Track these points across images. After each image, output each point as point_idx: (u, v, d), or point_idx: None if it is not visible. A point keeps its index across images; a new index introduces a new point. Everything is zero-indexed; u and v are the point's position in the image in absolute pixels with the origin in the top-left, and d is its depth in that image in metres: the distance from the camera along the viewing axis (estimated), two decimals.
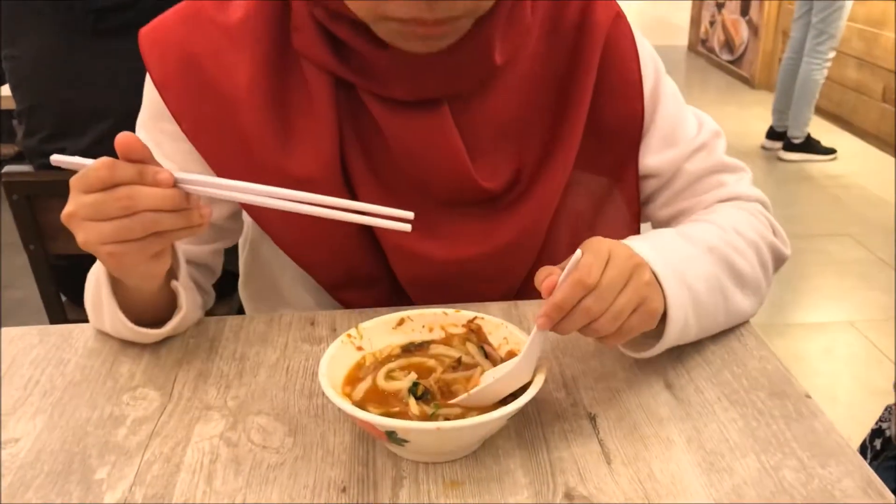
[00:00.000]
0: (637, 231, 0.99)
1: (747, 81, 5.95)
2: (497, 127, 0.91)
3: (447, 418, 0.68)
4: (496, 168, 0.91)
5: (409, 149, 0.88)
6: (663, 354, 0.83)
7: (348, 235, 0.92)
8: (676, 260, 0.76)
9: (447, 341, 0.79)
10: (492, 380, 0.70)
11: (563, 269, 0.69)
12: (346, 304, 1.00)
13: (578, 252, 0.69)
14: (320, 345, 0.89)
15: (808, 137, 4.34)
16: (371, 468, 0.70)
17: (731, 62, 6.24)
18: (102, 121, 1.66)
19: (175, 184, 0.69)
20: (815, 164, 4.32)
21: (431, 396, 0.71)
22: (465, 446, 0.70)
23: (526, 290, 0.99)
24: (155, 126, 0.92)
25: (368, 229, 0.92)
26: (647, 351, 0.78)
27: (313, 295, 1.02)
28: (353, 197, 0.91)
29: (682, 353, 0.85)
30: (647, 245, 0.75)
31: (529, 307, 0.95)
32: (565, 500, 0.66)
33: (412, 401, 0.70)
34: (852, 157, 4.43)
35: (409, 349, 0.79)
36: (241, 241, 1.10)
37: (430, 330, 0.80)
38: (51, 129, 1.70)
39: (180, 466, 0.71)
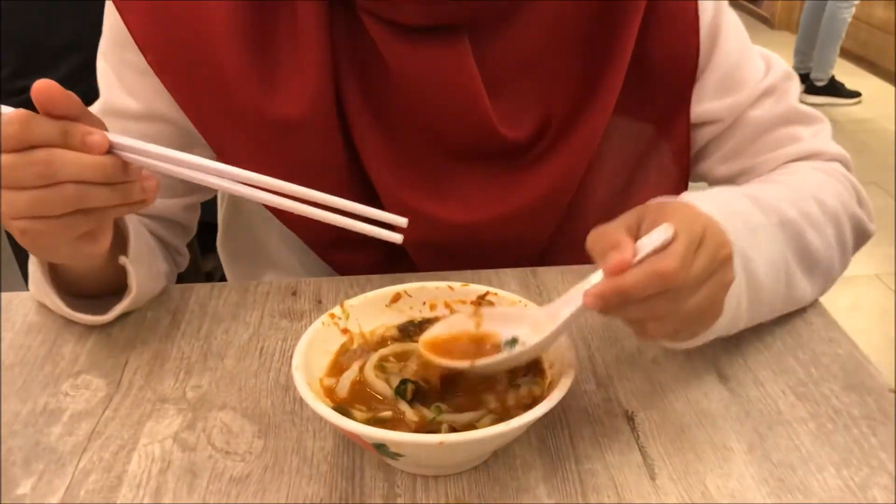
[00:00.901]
0: (686, 178, 0.83)
1: (767, 21, 5.69)
2: (523, 64, 0.75)
3: (453, 426, 0.54)
4: (521, 114, 0.75)
5: (419, 86, 0.73)
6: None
7: (339, 188, 0.77)
8: (742, 233, 0.61)
9: None
10: (507, 355, 0.57)
11: (625, 228, 0.55)
12: (338, 268, 0.85)
13: (669, 229, 0.53)
14: (301, 321, 0.74)
15: (832, 80, 4.13)
16: (357, 483, 0.56)
17: (750, 1, 5.97)
18: (73, 53, 1.50)
19: (111, 149, 0.54)
20: (838, 108, 4.11)
21: (429, 395, 0.57)
22: (473, 459, 0.56)
23: (549, 255, 0.84)
24: (116, 55, 0.76)
25: (365, 181, 0.78)
26: (686, 342, 0.63)
27: (299, 256, 0.88)
28: (349, 144, 0.76)
29: (736, 334, 0.71)
30: (715, 209, 0.59)
31: (550, 276, 0.80)
32: None
33: (405, 406, 0.56)
34: (878, 100, 4.22)
35: (406, 331, 0.64)
36: (219, 192, 0.95)
37: (433, 308, 0.66)
38: (15, 65, 1.54)
39: (122, 478, 0.57)
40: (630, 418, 0.62)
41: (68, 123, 0.53)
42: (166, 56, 0.74)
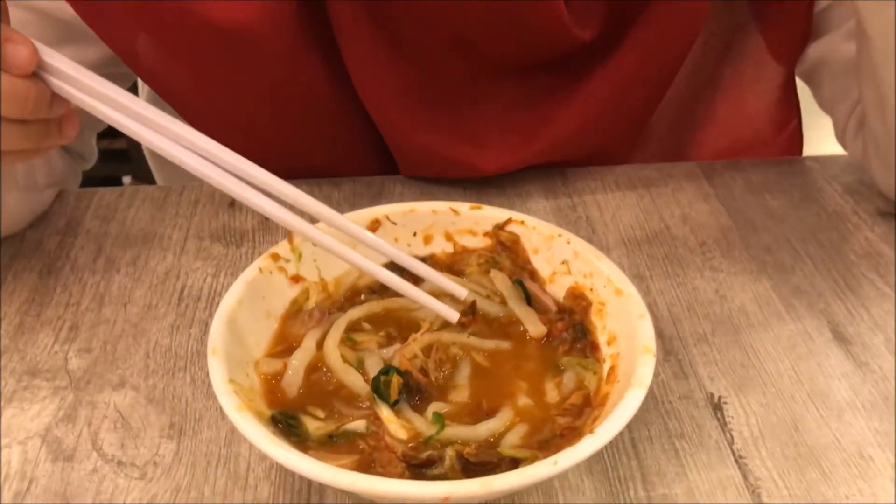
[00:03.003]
0: (792, 59, 0.60)
1: None
2: None
3: (463, 445, 0.34)
4: (587, 5, 0.51)
5: None
6: (815, 271, 0.50)
7: (319, 132, 0.57)
8: None
9: (457, 262, 0.44)
10: None
11: None
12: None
13: None
14: (241, 246, 0.53)
15: None
16: None
17: None
18: None
19: (38, 71, 0.36)
20: None
21: (425, 388, 0.37)
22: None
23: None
24: None
25: (361, 114, 0.55)
26: None
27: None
28: (332, 61, 0.52)
29: (847, 265, 0.51)
30: None
31: (585, 181, 0.59)
32: None
33: (385, 411, 0.35)
34: None
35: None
36: None
37: (428, 241, 0.45)
38: None
39: None
40: (717, 408, 0.42)
41: None
42: None
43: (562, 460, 0.31)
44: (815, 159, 0.62)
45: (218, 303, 0.39)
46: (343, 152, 0.59)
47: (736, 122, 0.62)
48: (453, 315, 0.38)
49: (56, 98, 0.37)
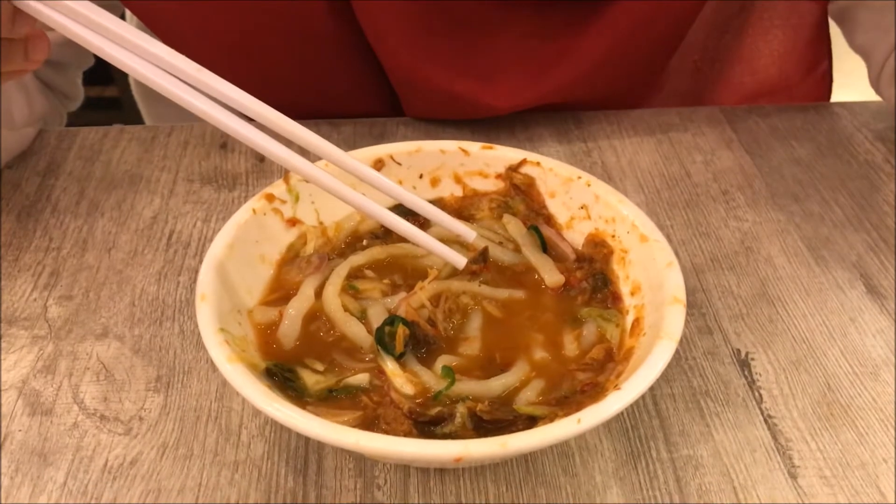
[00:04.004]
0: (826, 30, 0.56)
1: None
2: None
3: (475, 406, 0.31)
4: None
5: None
6: (846, 221, 0.47)
7: (320, 59, 0.53)
8: None
9: (466, 206, 0.41)
10: None
11: None
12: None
13: None
14: (234, 190, 0.50)
15: None
16: (312, 479, 0.34)
17: None
18: None
19: None
20: None
21: (433, 341, 0.34)
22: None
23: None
24: None
25: (363, 46, 0.51)
26: None
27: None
28: None
29: (879, 216, 0.48)
30: None
31: (601, 125, 0.55)
32: None
33: (390, 364, 0.32)
34: None
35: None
36: None
37: (435, 183, 0.41)
38: None
39: None
40: (744, 364, 0.39)
41: None
42: None
43: (585, 418, 0.28)
44: (844, 105, 0.58)
45: (206, 250, 0.36)
46: (342, 89, 0.55)
47: (763, 61, 0.58)
48: (461, 260, 0.35)
49: (19, 14, 0.33)
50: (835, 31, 0.59)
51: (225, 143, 0.53)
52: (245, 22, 0.49)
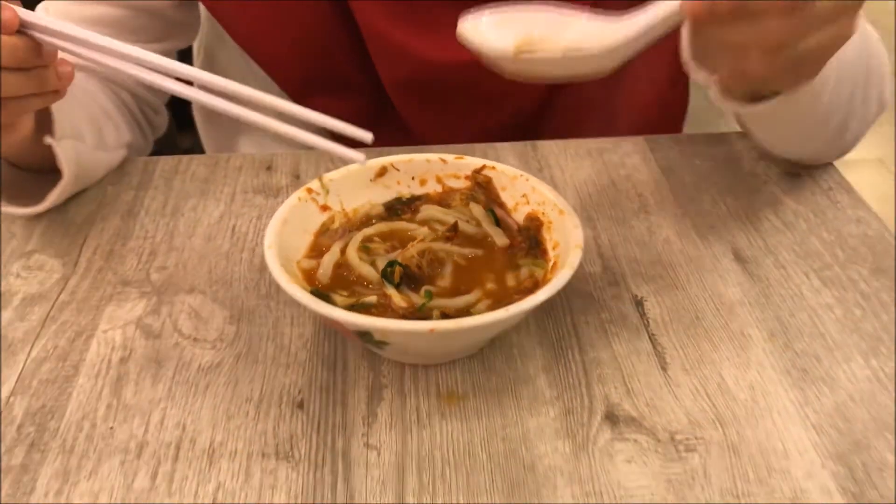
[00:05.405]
0: None
1: None
2: None
3: (444, 312, 0.48)
4: None
5: None
6: (728, 214, 0.63)
7: (318, 21, 0.70)
8: None
9: (444, 199, 0.58)
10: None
11: None
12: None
13: None
14: (278, 197, 0.68)
15: None
16: (339, 373, 0.51)
17: None
18: None
19: (22, 28, 0.48)
20: None
21: (419, 278, 0.51)
22: (467, 347, 0.51)
23: (547, 114, 0.77)
24: None
25: (345, 15, 0.69)
26: (757, 106, 0.53)
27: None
28: None
29: (753, 210, 0.65)
30: None
31: (551, 150, 0.73)
32: (607, 424, 0.48)
33: (392, 290, 0.50)
34: None
35: (393, 209, 0.58)
36: (195, 47, 0.87)
37: (423, 183, 0.59)
38: None
39: (79, 367, 0.52)
40: (639, 304, 0.56)
41: None
42: None
43: (511, 309, 0.45)
44: (739, 134, 0.76)
45: (262, 238, 0.54)
46: (326, 47, 0.71)
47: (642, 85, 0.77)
48: (360, 156, 0.46)
49: (41, 47, 0.48)
50: None
51: (270, 165, 0.71)
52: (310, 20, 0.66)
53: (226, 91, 0.47)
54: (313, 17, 0.69)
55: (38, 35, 0.49)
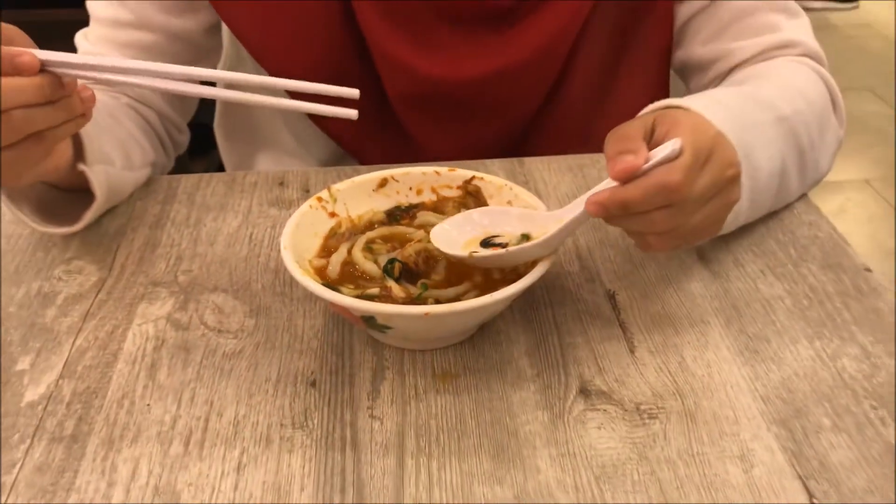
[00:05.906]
0: (667, 62, 0.83)
1: None
2: None
3: (438, 300, 0.56)
4: None
5: None
6: None
7: (333, 38, 0.79)
8: (747, 134, 0.60)
9: (439, 206, 0.66)
10: (503, 251, 0.57)
11: (642, 131, 0.55)
12: (327, 130, 0.86)
13: (678, 142, 0.52)
14: (290, 209, 0.75)
15: None
16: (347, 357, 0.58)
17: None
18: None
19: (42, 68, 0.54)
20: (837, 13, 4.04)
21: (416, 273, 0.58)
22: (458, 332, 0.58)
23: (531, 139, 0.85)
24: None
25: (357, 38, 0.78)
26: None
27: (292, 129, 0.90)
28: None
29: None
30: (722, 115, 0.58)
31: (536, 166, 0.81)
32: (580, 398, 0.54)
33: (393, 283, 0.57)
34: (878, 6, 4.14)
35: (393, 215, 0.65)
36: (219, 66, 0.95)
37: (419, 193, 0.67)
38: None
39: (118, 355, 0.59)
40: (611, 296, 0.63)
41: None
42: None
43: (496, 295, 0.52)
44: None
45: (277, 244, 0.61)
46: (340, 63, 0.80)
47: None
48: (352, 112, 0.54)
49: (62, 80, 0.55)
50: None
51: (282, 181, 0.79)
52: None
53: (234, 81, 0.56)
54: (328, 39, 0.78)
55: (56, 69, 0.55)
